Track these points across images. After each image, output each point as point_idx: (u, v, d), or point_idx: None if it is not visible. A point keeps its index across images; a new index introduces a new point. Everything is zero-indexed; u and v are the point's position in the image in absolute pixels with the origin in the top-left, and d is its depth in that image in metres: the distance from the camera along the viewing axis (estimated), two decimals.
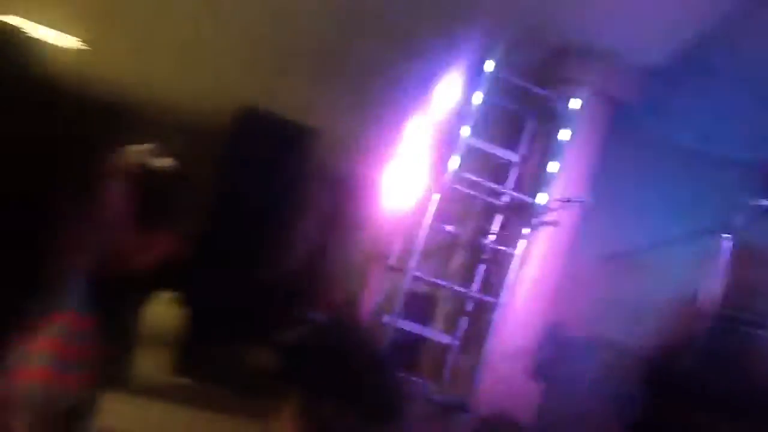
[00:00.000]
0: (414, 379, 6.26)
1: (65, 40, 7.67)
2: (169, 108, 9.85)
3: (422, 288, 7.05)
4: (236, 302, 6.00)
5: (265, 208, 6.03)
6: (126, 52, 7.84)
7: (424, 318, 7.01)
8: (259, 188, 6.00)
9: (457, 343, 6.19)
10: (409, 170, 6.43)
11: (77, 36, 7.57)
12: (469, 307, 6.27)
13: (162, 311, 7.53)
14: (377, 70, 5.39)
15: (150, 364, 6.16)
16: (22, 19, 7.49)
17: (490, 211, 6.29)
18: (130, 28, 7.04)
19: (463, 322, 6.27)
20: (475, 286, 6.29)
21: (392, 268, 6.22)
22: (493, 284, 6.14)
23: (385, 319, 6.44)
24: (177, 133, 11.23)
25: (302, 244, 10.46)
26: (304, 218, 8.44)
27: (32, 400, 2.08)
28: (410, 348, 6.73)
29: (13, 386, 2.00)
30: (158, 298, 6.71)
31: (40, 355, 2.15)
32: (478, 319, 6.19)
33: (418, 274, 5.93)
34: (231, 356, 6.27)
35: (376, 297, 7.07)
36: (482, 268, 6.28)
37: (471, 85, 5.67)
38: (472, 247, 6.41)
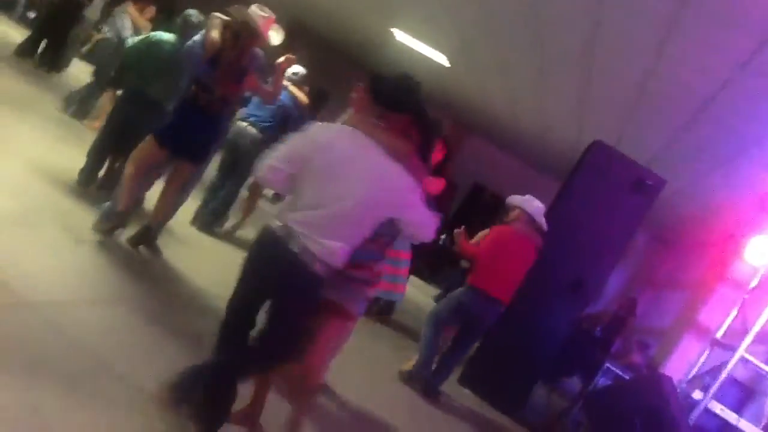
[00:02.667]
0: None
1: (435, 55, 8.64)
2: (509, 128, 10.37)
3: (743, 373, 6.36)
4: (548, 336, 6.03)
5: (596, 241, 5.94)
6: (477, 79, 8.58)
7: (738, 407, 6.31)
8: (596, 221, 5.94)
9: None
10: (758, 243, 5.85)
11: (444, 54, 8.42)
12: None
13: None
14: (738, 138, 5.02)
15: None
16: (404, 34, 8.53)
17: None
18: (481, 61, 7.68)
19: None
20: None
21: (718, 344, 5.71)
22: None
23: (695, 394, 5.95)
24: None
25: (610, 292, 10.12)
26: (619, 263, 8.16)
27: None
28: None
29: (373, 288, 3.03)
30: None
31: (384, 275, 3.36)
32: None
33: (747, 356, 5.36)
34: (519, 387, 6.31)
35: (686, 367, 6.57)
36: None
37: None
38: None
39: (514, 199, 5.41)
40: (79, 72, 9.06)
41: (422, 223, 2.78)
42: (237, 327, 2.78)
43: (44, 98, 7.28)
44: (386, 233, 2.82)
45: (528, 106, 8.40)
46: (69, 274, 3.70)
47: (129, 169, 4.51)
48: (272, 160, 2.65)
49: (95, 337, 3.14)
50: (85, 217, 4.57)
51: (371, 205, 2.62)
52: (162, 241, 4.67)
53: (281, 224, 2.59)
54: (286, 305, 2.74)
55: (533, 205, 5.28)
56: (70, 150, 5.69)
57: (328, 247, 2.56)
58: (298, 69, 6.18)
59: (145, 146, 4.46)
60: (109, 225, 4.39)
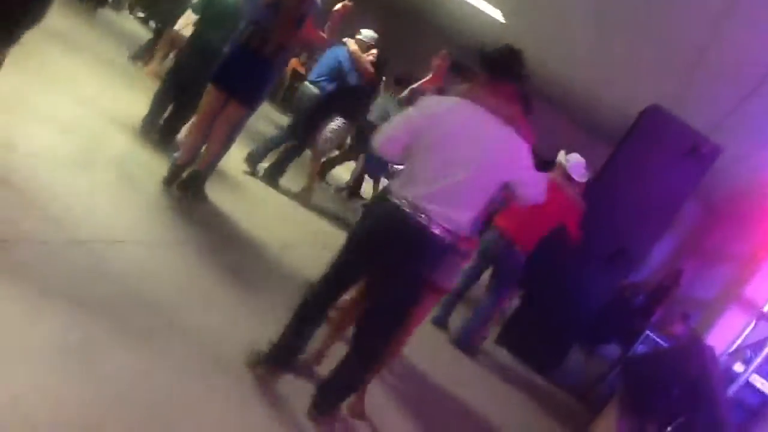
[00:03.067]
0: None
1: (489, 10, 8.50)
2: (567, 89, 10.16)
3: None
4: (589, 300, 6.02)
5: (644, 208, 5.85)
6: (533, 36, 8.41)
7: None
8: (646, 188, 5.85)
9: None
10: None
11: (499, 9, 8.28)
12: None
13: None
14: None
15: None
16: None
17: None
18: (540, 18, 7.53)
19: None
20: None
21: (764, 317, 5.63)
22: None
23: (737, 367, 5.90)
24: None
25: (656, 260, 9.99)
26: (667, 232, 8.04)
27: None
28: (755, 407, 6.08)
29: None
30: None
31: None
32: None
33: None
34: (554, 350, 6.33)
35: (729, 340, 6.50)
36: None
37: None
38: None
39: (558, 156, 5.44)
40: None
41: (535, 184, 2.86)
42: (332, 291, 2.90)
43: (95, 38, 7.39)
44: (495, 200, 2.90)
45: (584, 66, 8.22)
46: (122, 214, 3.74)
47: (195, 120, 4.73)
48: (390, 130, 2.76)
49: (148, 277, 3.17)
50: (140, 161, 4.68)
51: (490, 170, 2.70)
52: (215, 187, 4.75)
53: (404, 199, 2.64)
54: (410, 276, 2.79)
55: (570, 158, 5.29)
56: (125, 92, 5.80)
57: (455, 216, 2.66)
58: (367, 32, 6.46)
59: (206, 95, 4.59)
60: (173, 172, 4.52)
